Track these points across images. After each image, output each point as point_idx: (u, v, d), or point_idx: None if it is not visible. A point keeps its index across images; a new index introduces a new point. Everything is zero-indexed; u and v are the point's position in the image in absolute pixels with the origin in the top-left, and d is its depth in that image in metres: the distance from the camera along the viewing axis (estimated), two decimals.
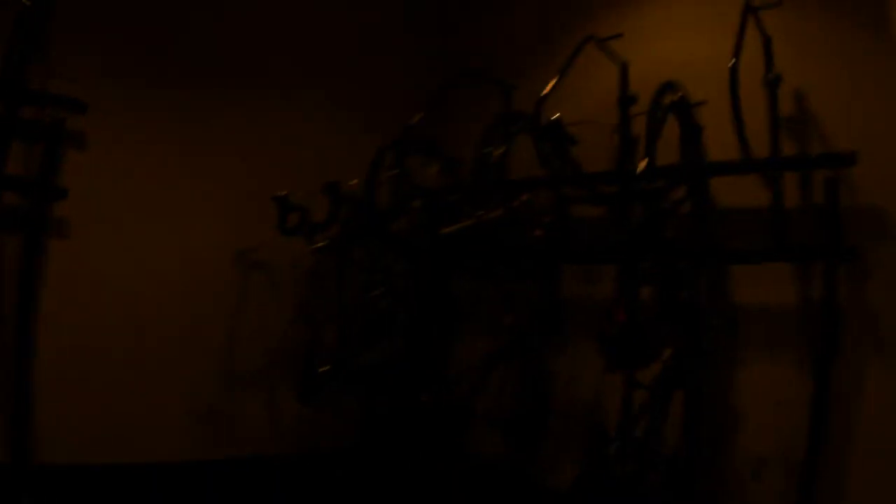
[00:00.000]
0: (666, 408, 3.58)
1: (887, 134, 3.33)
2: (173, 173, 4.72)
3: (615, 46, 4.05)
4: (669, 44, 4.21)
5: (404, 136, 4.41)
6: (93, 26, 4.47)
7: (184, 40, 4.80)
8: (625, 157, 4.02)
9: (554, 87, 3.86)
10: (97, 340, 4.36)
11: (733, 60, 3.49)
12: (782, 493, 3.48)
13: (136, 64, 4.64)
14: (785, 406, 3.54)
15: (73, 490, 4.19)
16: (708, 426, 3.76)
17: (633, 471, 3.40)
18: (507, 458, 4.37)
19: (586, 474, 3.47)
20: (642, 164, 3.54)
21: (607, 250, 3.92)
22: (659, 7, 4.33)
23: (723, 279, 3.86)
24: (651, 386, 3.52)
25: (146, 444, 4.45)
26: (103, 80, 4.47)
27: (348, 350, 4.44)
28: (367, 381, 4.43)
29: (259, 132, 4.98)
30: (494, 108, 4.65)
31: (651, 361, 3.46)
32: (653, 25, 4.30)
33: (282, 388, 4.83)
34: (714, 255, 3.76)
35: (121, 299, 4.47)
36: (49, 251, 4.26)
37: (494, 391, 4.19)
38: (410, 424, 4.22)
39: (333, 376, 4.38)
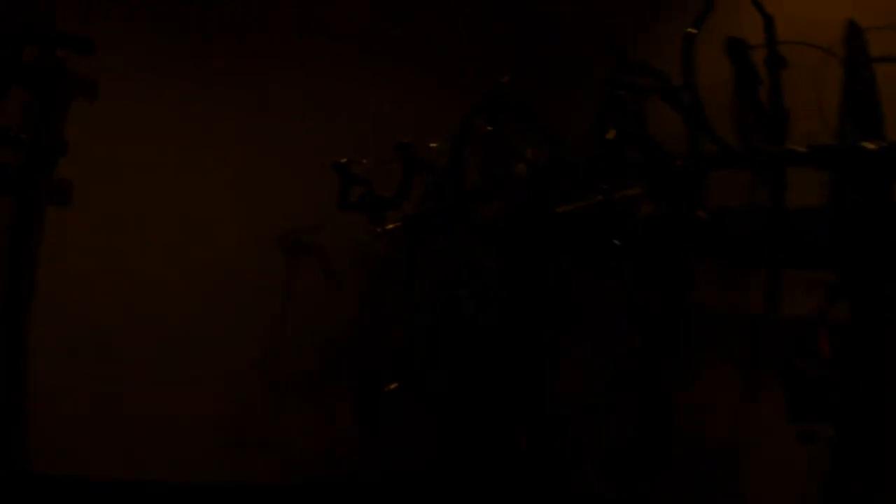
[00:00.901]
0: None
1: None
2: (206, 133, 4.00)
3: None
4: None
5: (497, 95, 3.47)
6: None
7: None
8: (778, 128, 3.02)
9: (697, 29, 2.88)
10: (104, 333, 3.77)
11: None
12: None
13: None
14: None
15: None
16: None
17: None
18: (618, 499, 3.46)
19: None
20: None
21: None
22: None
23: None
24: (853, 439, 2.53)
25: (162, 459, 3.81)
26: (118, 18, 3.79)
27: (422, 363, 3.53)
28: (446, 406, 3.51)
29: (314, 90, 4.23)
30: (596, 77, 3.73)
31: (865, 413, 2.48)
32: None
33: (337, 400, 4.14)
34: None
35: (134, 284, 3.84)
36: (47, 220, 3.62)
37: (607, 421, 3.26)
38: (501, 465, 3.29)
39: (402, 395, 3.47)
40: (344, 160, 3.66)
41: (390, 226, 3.63)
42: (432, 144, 3.55)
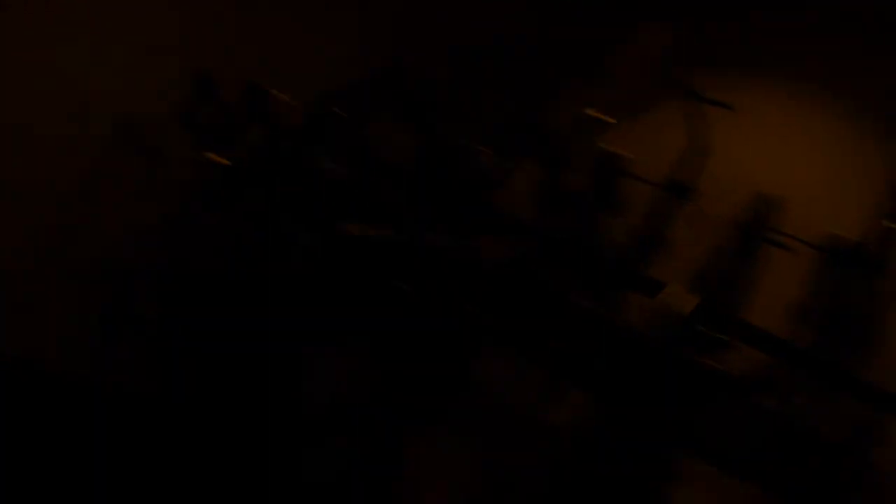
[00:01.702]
0: None
1: None
2: None
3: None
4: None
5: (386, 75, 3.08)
6: None
7: None
8: None
9: None
10: None
11: None
12: None
13: None
14: None
15: None
16: None
17: None
18: None
19: None
20: None
21: None
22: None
23: None
24: None
25: None
26: None
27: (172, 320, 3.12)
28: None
29: None
30: None
31: None
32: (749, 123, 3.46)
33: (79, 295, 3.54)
34: None
35: None
36: None
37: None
38: None
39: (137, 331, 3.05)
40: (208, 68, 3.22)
41: (214, 157, 3.16)
42: (282, 97, 3.07)
